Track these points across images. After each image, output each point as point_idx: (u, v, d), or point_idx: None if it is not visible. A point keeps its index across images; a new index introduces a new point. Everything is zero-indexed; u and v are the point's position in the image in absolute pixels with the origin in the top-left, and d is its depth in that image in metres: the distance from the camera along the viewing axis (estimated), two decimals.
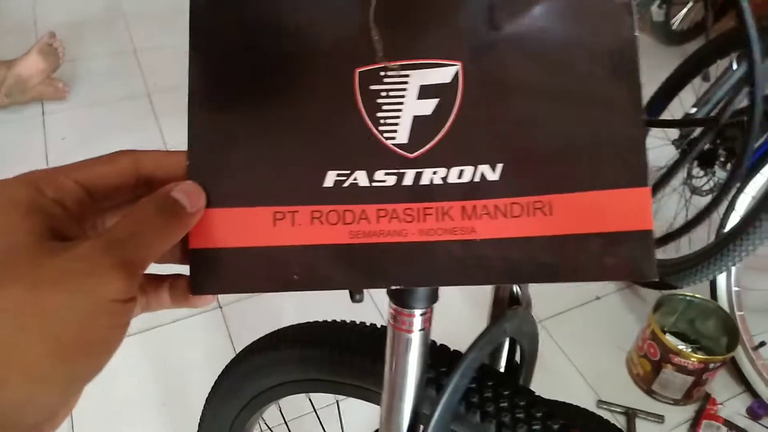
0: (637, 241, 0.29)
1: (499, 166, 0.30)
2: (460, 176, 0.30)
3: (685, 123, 1.48)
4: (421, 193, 0.31)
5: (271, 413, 0.73)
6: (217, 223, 0.30)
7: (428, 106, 0.31)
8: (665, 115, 1.59)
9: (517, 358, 0.53)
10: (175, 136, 1.89)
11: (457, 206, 0.30)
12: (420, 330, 0.39)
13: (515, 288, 0.49)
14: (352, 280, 0.31)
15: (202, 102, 0.31)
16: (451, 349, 0.50)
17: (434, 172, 0.31)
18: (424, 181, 0.31)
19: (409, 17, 0.31)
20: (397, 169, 0.31)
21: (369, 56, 0.31)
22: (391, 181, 0.31)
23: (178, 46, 1.70)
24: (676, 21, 2.50)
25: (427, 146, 0.31)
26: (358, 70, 0.31)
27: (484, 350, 0.43)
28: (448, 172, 0.31)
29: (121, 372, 1.24)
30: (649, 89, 1.57)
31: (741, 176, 1.19)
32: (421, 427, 0.43)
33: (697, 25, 2.48)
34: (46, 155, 1.83)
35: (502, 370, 0.53)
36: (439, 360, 0.49)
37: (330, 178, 0.30)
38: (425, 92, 0.31)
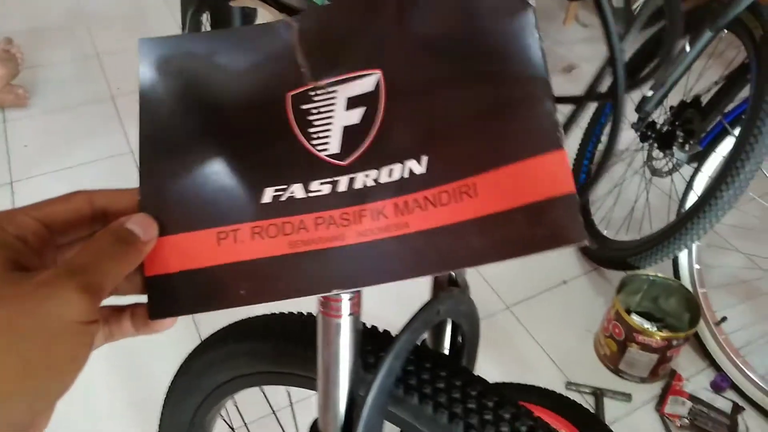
0: (561, 207, 0.29)
1: (425, 159, 0.32)
2: (390, 175, 0.32)
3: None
4: (355, 196, 0.32)
5: (234, 417, 0.73)
6: (167, 250, 0.32)
7: (356, 115, 0.33)
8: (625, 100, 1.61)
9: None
10: None
11: (390, 204, 0.32)
12: (349, 315, 0.40)
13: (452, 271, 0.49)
14: (295, 289, 0.32)
15: (151, 145, 0.34)
16: (394, 334, 0.51)
17: (366, 175, 0.32)
18: (358, 185, 0.32)
19: (329, 39, 0.34)
20: (331, 177, 0.33)
21: (299, 80, 0.34)
22: (326, 189, 0.32)
23: None
24: (638, 6, 2.53)
25: (358, 152, 0.33)
26: (289, 94, 0.34)
27: (417, 332, 0.44)
28: (379, 173, 0.32)
29: (92, 379, 1.23)
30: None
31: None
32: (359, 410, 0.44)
33: (659, 9, 2.52)
34: (9, 163, 1.80)
35: (446, 353, 0.53)
36: (381, 345, 0.49)
37: (268, 195, 0.33)
38: (352, 103, 0.33)
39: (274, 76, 0.34)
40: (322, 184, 0.32)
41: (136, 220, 0.31)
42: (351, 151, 0.33)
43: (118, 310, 0.33)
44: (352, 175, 0.32)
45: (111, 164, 1.80)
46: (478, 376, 0.48)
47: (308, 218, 0.32)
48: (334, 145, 0.33)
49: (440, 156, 0.32)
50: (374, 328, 0.52)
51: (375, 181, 0.32)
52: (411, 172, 0.32)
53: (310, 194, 0.32)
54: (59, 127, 1.94)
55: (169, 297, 0.32)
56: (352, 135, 0.33)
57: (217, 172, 0.33)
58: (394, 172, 0.32)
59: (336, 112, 0.33)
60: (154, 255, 0.32)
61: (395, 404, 0.46)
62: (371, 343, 0.49)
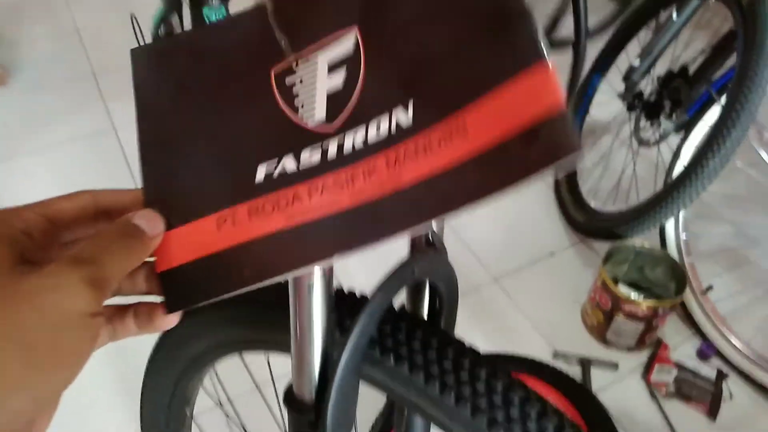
0: (553, 123, 0.27)
1: (410, 104, 0.31)
2: (378, 129, 0.32)
3: None
4: (346, 159, 0.32)
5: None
6: (174, 243, 0.33)
7: (338, 78, 0.33)
8: (613, 70, 1.60)
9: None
10: (123, 117, 1.84)
11: (381, 159, 0.31)
12: (321, 275, 0.39)
13: (429, 234, 0.48)
14: (297, 261, 0.32)
15: (150, 144, 0.35)
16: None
17: (354, 136, 0.32)
18: (347, 147, 0.32)
19: (302, 9, 0.34)
20: (319, 144, 0.33)
21: (280, 56, 0.34)
22: (316, 157, 0.33)
23: (123, 24, 1.65)
24: None
25: (345, 114, 0.33)
26: (272, 70, 0.34)
27: (392, 291, 0.43)
28: (366, 129, 0.32)
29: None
30: (600, 44, 1.59)
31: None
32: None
33: None
34: None
35: (425, 316, 0.53)
36: (357, 308, 0.49)
37: (261, 172, 0.33)
38: (333, 67, 0.33)
39: (257, 56, 0.35)
40: (312, 153, 0.33)
41: (143, 215, 0.32)
42: (337, 115, 0.33)
43: (122, 309, 0.34)
44: (340, 139, 0.32)
45: (93, 142, 1.78)
46: (455, 337, 0.47)
47: (302, 188, 0.32)
48: (320, 113, 0.33)
49: (425, 95, 0.31)
50: (351, 292, 0.51)
51: (364, 139, 0.32)
52: (398, 122, 0.31)
53: (302, 165, 0.32)
54: (39, 105, 1.90)
55: (181, 289, 0.33)
56: (336, 98, 0.33)
57: (212, 159, 0.34)
58: (382, 125, 0.31)
59: (318, 79, 0.33)
60: (163, 250, 0.33)
61: (371, 366, 0.45)
62: (348, 306, 0.49)
